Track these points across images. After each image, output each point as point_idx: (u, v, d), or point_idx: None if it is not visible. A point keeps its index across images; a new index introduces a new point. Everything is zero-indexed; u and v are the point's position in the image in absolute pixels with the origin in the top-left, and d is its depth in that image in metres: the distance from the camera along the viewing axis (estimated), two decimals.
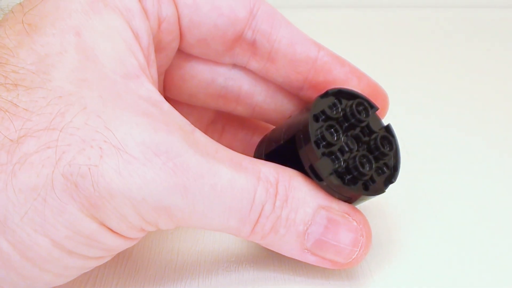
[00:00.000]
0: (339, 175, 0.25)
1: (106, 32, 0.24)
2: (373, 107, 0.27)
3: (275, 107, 0.31)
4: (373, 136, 0.27)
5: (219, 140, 0.33)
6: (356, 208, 0.27)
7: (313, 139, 0.25)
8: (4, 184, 0.21)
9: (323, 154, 0.25)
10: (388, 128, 0.27)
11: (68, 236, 0.22)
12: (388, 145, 0.27)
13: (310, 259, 0.26)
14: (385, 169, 0.27)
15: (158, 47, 0.27)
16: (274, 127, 0.31)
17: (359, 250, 0.26)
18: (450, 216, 0.32)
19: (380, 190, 0.26)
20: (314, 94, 0.29)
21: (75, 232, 0.22)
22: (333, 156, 0.26)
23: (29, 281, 0.23)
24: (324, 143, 0.26)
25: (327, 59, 0.28)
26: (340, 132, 0.26)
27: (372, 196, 0.26)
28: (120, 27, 0.25)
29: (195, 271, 0.28)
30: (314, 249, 0.26)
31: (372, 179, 0.26)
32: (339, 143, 0.26)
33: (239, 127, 0.33)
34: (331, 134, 0.26)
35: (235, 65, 0.30)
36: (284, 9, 0.31)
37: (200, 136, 0.25)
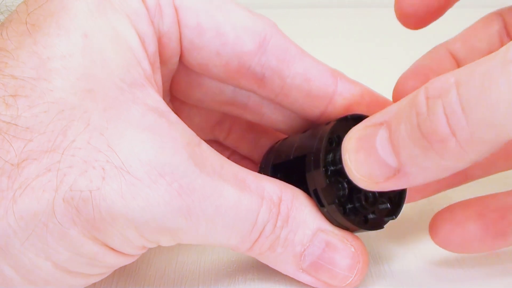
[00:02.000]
0: (341, 203, 0.26)
1: (113, 36, 0.23)
2: None
3: (283, 119, 0.30)
4: None
5: (225, 140, 0.32)
6: (355, 235, 0.27)
7: (322, 165, 0.25)
8: (5, 211, 0.21)
9: (330, 180, 0.25)
10: None
11: (70, 259, 0.22)
12: None
13: (305, 278, 0.26)
14: (388, 204, 0.27)
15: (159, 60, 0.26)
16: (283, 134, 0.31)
17: (354, 276, 0.26)
18: None
19: (378, 226, 0.27)
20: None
21: (77, 254, 0.22)
22: (340, 185, 0.26)
23: None
24: (332, 168, 0.25)
25: (346, 95, 0.27)
26: None
27: (369, 231, 0.26)
28: (127, 32, 0.24)
29: (195, 271, 0.28)
30: (309, 270, 0.26)
31: (373, 212, 0.26)
32: None
33: (247, 129, 0.32)
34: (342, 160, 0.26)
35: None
36: (285, 9, 0.31)
37: (206, 150, 0.24)
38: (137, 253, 0.24)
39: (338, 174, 0.25)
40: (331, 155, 0.26)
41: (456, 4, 0.30)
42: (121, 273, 0.28)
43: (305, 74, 0.27)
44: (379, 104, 0.28)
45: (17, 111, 0.21)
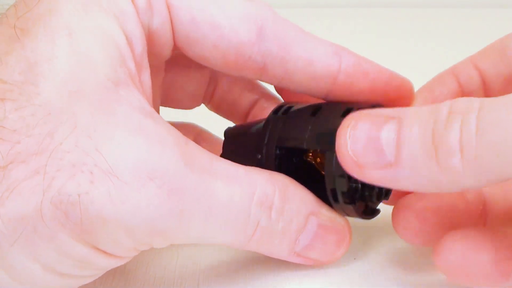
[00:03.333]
0: (352, 199, 0.26)
1: (99, 35, 0.23)
2: None
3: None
4: None
5: (214, 93, 0.33)
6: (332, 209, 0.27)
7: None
8: None
9: (351, 184, 0.26)
10: None
11: (59, 261, 0.22)
12: None
13: (295, 259, 0.27)
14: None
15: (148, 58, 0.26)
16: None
17: (341, 249, 0.27)
18: None
19: (376, 212, 0.28)
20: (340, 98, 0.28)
21: (67, 256, 0.22)
22: (355, 184, 0.26)
23: None
24: None
25: (350, 70, 0.27)
26: None
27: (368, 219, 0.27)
28: (114, 31, 0.24)
29: (195, 271, 0.28)
30: (302, 252, 0.27)
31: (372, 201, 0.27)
32: None
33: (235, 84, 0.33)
34: None
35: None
36: (285, 9, 0.31)
37: (193, 148, 0.24)
38: (129, 255, 0.24)
39: None
40: None
41: (456, 4, 0.31)
42: (121, 273, 0.28)
43: (307, 57, 0.26)
44: (384, 79, 0.28)
45: (4, 113, 0.21)
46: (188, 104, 0.33)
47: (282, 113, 0.28)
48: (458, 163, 0.20)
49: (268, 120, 0.28)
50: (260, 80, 0.28)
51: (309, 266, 0.28)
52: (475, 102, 0.21)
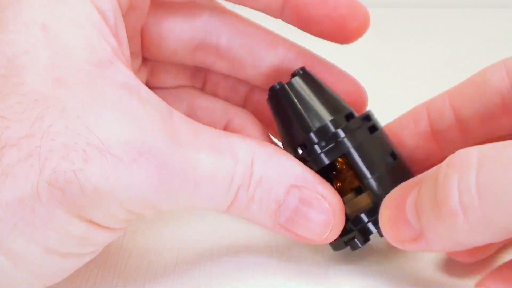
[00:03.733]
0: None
1: (73, 19, 0.23)
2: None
3: (253, 61, 0.30)
4: None
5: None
6: (333, 189, 0.27)
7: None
8: None
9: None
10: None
11: (59, 241, 0.22)
12: None
13: (280, 232, 0.27)
14: None
15: (130, 6, 0.27)
16: None
17: (329, 231, 0.26)
18: None
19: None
20: (294, 20, 0.29)
21: (66, 235, 0.22)
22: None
23: (25, 286, 0.23)
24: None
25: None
26: None
27: None
28: (87, 11, 0.24)
29: (195, 272, 0.28)
30: (286, 225, 0.26)
31: None
32: None
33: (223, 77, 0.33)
34: None
35: (212, 16, 0.30)
36: None
37: (178, 119, 0.25)
38: (123, 226, 0.25)
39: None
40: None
41: (456, 4, 0.30)
42: (120, 273, 0.28)
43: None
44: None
45: None
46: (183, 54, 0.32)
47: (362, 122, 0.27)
48: (464, 223, 0.21)
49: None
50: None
51: (300, 242, 0.27)
52: (473, 154, 0.21)
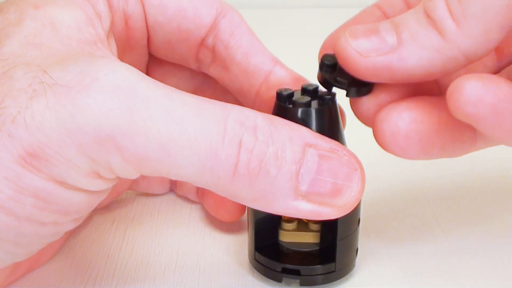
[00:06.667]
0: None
1: (67, 6, 0.24)
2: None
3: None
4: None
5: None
6: (341, 144, 0.24)
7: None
8: None
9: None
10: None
11: (12, 197, 0.21)
12: None
13: (305, 208, 0.23)
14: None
15: (128, 44, 0.28)
16: None
17: (356, 185, 0.23)
18: (451, 218, 0.33)
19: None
20: (265, 110, 0.25)
21: (19, 191, 0.21)
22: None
23: (5, 255, 0.22)
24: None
25: (281, 74, 0.29)
26: None
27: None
28: (82, 3, 0.25)
29: (195, 272, 0.28)
30: (310, 193, 0.23)
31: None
32: None
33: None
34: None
35: (200, 71, 0.31)
36: (284, 10, 0.31)
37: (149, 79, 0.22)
38: (97, 187, 0.22)
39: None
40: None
41: None
42: (120, 274, 0.28)
43: (247, 49, 0.29)
44: None
45: None
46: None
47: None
48: (452, 25, 0.22)
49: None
50: (209, 73, 0.30)
51: (322, 219, 0.24)
52: None
